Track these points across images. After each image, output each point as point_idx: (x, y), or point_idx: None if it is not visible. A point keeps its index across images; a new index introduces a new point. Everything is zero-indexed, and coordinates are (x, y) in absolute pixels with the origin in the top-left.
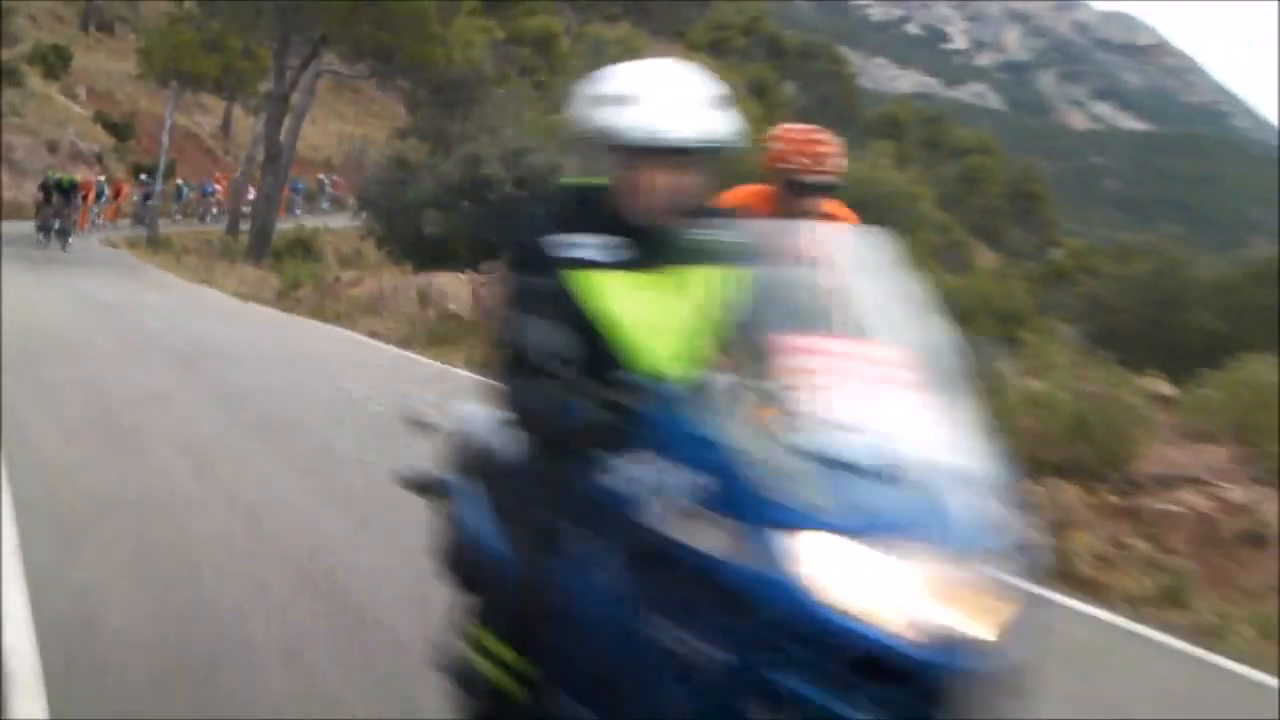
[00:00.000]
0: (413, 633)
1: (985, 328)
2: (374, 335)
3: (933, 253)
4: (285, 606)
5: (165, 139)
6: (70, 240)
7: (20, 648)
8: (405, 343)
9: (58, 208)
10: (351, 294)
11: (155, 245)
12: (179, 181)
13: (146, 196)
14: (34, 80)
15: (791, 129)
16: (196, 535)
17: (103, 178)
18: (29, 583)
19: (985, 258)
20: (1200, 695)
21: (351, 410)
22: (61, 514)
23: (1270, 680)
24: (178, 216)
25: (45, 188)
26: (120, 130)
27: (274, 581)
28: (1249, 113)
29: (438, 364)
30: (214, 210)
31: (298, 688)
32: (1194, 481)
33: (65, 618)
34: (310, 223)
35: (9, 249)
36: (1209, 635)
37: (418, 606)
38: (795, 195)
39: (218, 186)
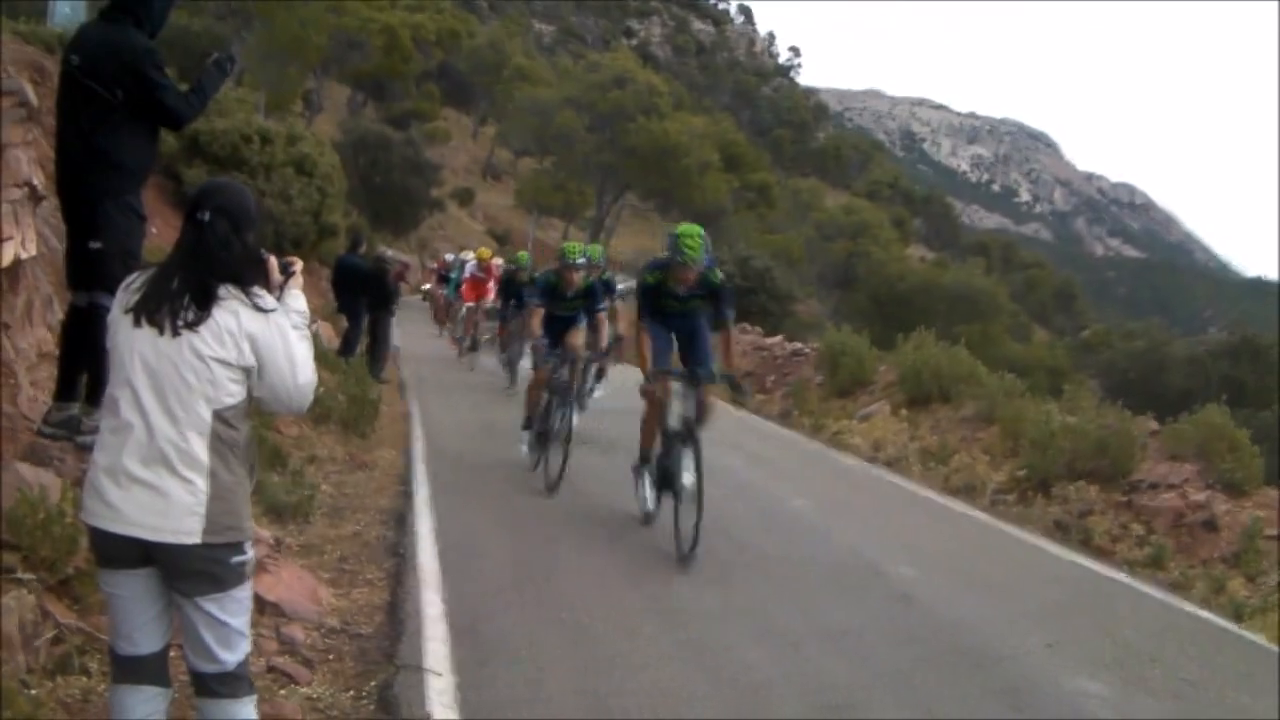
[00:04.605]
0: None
1: (1040, 380)
2: None
3: (1006, 330)
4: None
5: (529, 245)
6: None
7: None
8: None
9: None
10: None
11: None
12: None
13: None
14: (452, 208)
15: None
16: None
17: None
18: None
19: (1040, 335)
20: (1172, 623)
21: None
22: (443, 474)
23: (1215, 617)
24: None
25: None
26: (500, 239)
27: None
28: (1205, 248)
29: None
30: None
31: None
32: (1172, 487)
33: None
34: None
35: None
36: (1179, 588)
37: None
38: None
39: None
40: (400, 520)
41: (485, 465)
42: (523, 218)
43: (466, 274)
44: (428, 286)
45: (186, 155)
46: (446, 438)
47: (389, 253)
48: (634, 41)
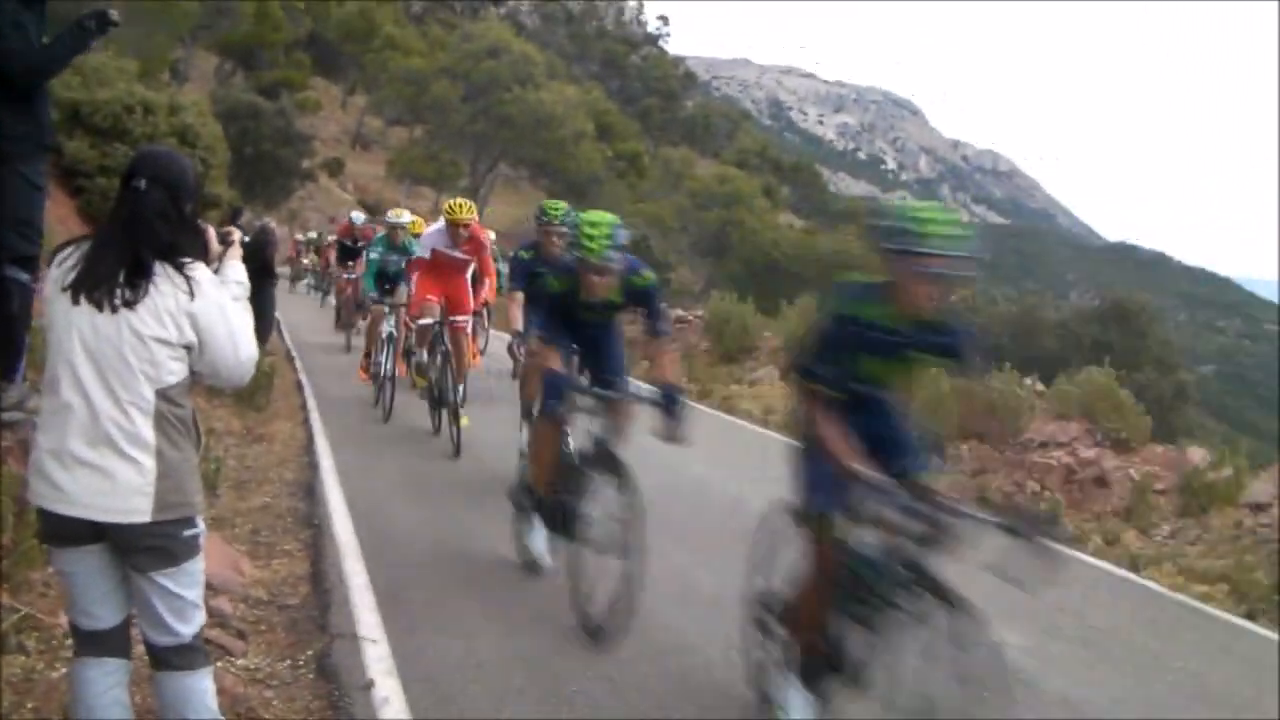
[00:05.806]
0: None
1: None
2: None
3: None
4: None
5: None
6: None
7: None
8: None
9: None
10: None
11: None
12: None
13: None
14: (323, 179)
15: None
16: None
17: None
18: None
19: None
20: (1075, 575)
21: None
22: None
23: (1114, 568)
24: None
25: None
26: (371, 209)
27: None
28: (1067, 214)
29: None
30: None
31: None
32: (1061, 445)
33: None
34: None
35: None
36: (1075, 541)
37: None
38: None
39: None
40: (309, 491)
41: (386, 434)
42: (394, 188)
43: (420, 253)
44: (306, 262)
45: (68, 127)
46: (340, 410)
47: (270, 223)
48: (503, 10)
